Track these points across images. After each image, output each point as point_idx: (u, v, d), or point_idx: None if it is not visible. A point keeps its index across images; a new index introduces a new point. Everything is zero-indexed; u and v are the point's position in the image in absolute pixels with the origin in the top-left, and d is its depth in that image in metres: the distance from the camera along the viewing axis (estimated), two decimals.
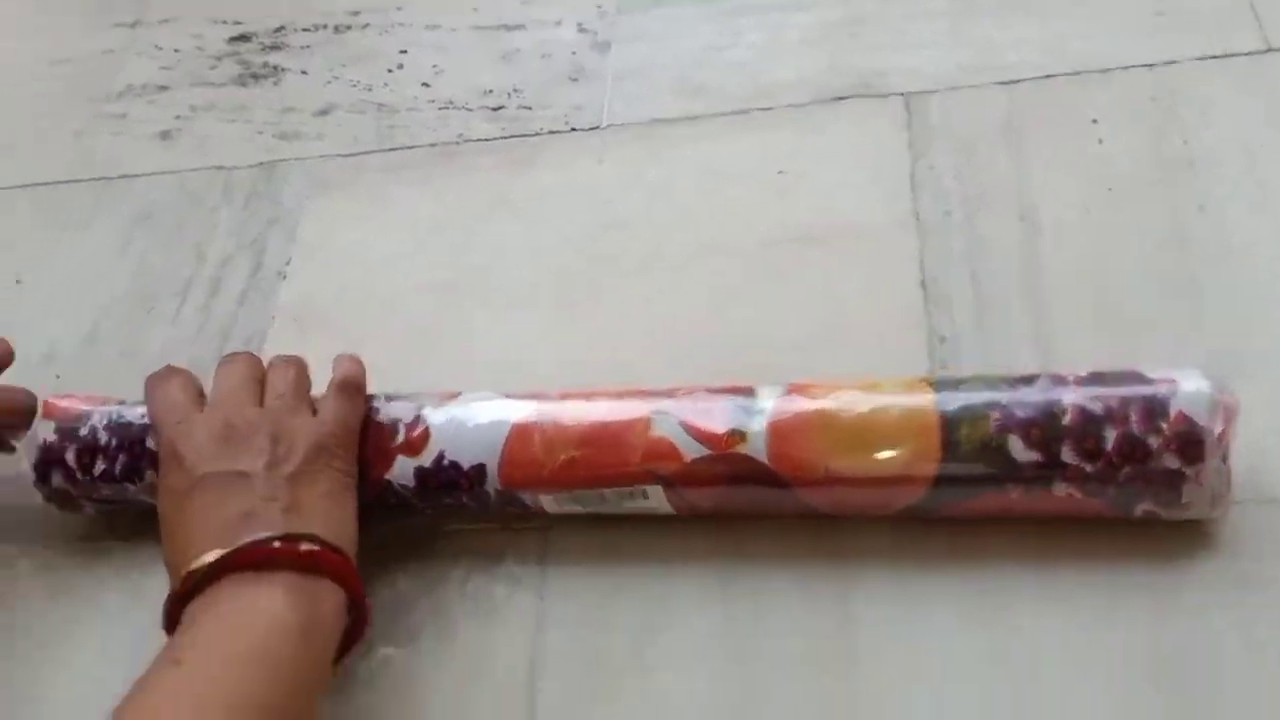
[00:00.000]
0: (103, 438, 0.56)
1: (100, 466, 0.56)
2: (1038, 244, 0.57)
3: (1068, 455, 0.45)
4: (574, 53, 0.74)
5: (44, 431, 0.57)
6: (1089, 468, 0.45)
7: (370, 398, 0.55)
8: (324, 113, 0.76)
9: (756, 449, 0.48)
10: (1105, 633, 0.46)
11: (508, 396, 0.54)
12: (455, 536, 0.56)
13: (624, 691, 0.50)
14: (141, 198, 0.75)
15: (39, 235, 0.75)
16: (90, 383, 0.65)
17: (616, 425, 0.51)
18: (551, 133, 0.70)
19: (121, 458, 0.56)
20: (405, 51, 0.78)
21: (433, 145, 0.72)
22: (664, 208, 0.65)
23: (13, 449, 0.58)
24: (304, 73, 0.79)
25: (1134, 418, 0.45)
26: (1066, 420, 0.46)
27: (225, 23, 0.84)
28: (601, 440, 0.51)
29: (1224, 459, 0.45)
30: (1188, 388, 0.45)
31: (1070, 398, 0.46)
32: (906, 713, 0.46)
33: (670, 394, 0.51)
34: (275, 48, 0.81)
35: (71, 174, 0.78)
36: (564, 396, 0.53)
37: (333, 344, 0.63)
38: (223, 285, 0.69)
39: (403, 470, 0.53)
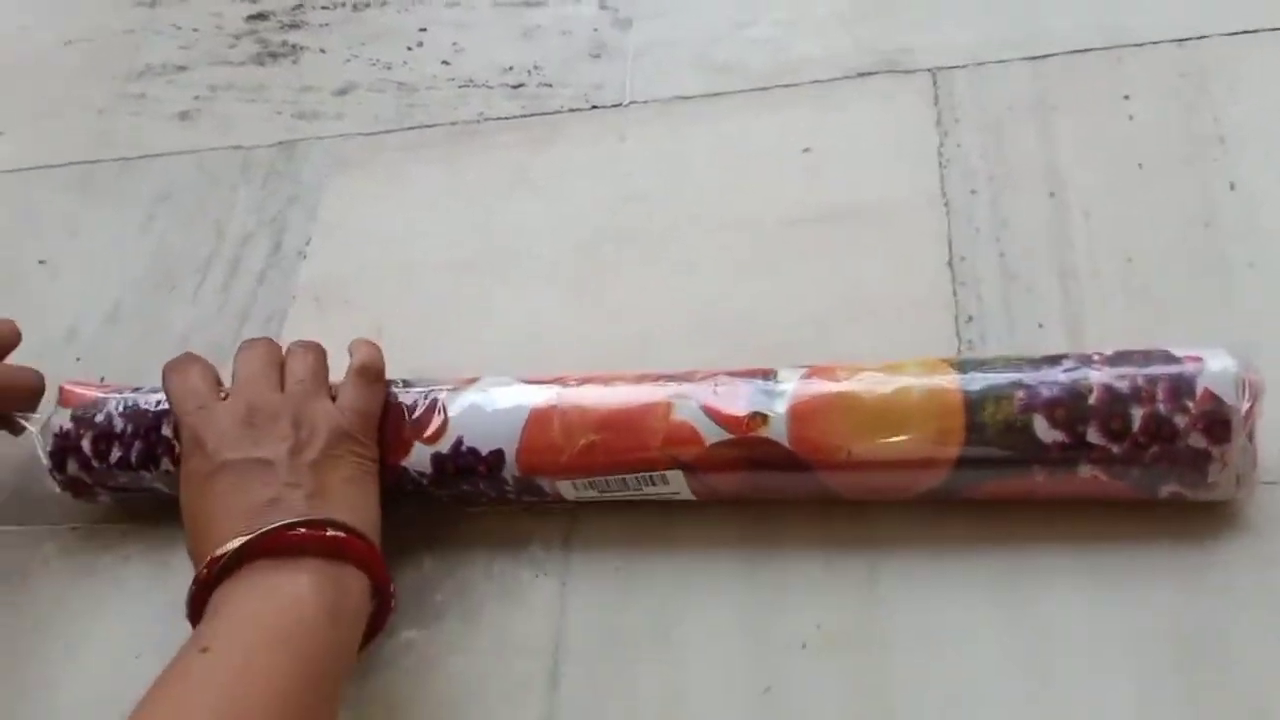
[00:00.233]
0: (118, 425, 0.56)
1: (116, 454, 0.56)
2: (1066, 222, 0.57)
3: (1093, 436, 0.45)
4: (595, 29, 0.73)
5: (59, 419, 0.57)
6: (1115, 448, 0.45)
7: (388, 383, 0.55)
8: (343, 91, 0.76)
9: (778, 432, 0.48)
10: (1130, 612, 0.46)
11: (526, 382, 0.53)
12: (480, 519, 0.55)
13: (648, 675, 0.49)
14: (161, 178, 0.75)
15: (61, 216, 0.75)
16: (112, 362, 0.66)
17: (636, 409, 0.50)
18: (572, 110, 0.70)
19: (137, 445, 0.56)
20: (425, 29, 0.77)
21: (453, 124, 0.72)
22: (686, 186, 0.64)
23: (23, 429, 0.58)
24: (323, 51, 0.78)
25: (1160, 396, 0.44)
26: (1092, 400, 0.45)
27: (244, 1, 0.84)
28: (621, 425, 0.50)
29: (1250, 438, 0.44)
30: (1214, 366, 0.45)
31: (1096, 377, 0.46)
32: (934, 693, 0.46)
33: (689, 377, 0.51)
34: (294, 26, 0.81)
35: (92, 154, 0.78)
36: (583, 381, 0.52)
37: (353, 322, 0.64)
38: (243, 265, 0.69)
39: (419, 457, 0.53)
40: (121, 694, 0.54)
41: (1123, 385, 0.45)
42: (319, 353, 0.55)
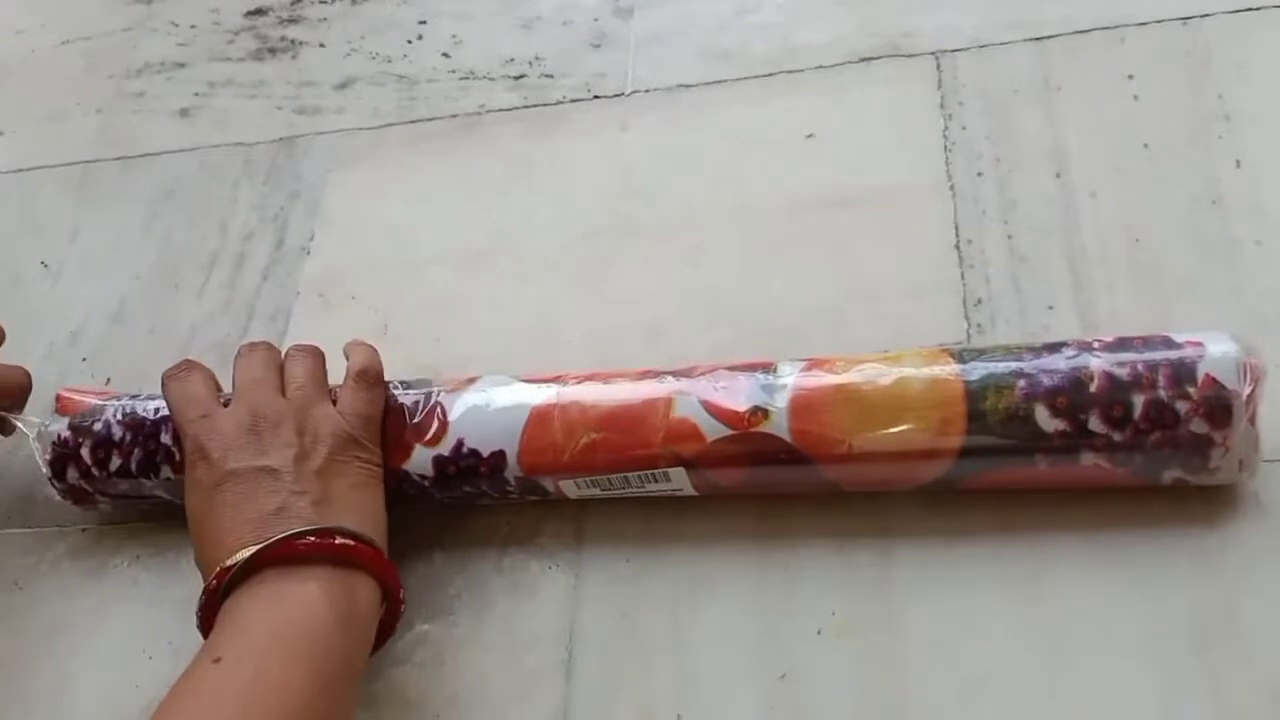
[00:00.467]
0: (117, 432, 0.56)
1: (116, 462, 0.56)
2: (1073, 203, 0.56)
3: (1095, 424, 0.45)
4: (596, 19, 0.73)
5: (58, 427, 0.57)
6: (1117, 436, 0.45)
7: (386, 385, 0.55)
8: (343, 86, 0.75)
9: (779, 426, 0.48)
10: (1144, 596, 0.46)
11: (525, 381, 0.53)
12: (491, 512, 0.55)
13: (662, 665, 0.49)
14: (163, 176, 0.75)
15: (62, 216, 0.75)
16: (118, 363, 0.66)
17: (636, 407, 0.50)
18: (574, 101, 0.69)
19: (137, 452, 0.56)
20: (424, 22, 0.77)
21: (454, 116, 0.71)
22: (690, 174, 0.64)
23: (14, 428, 0.58)
24: (322, 45, 0.78)
25: (1161, 383, 0.44)
26: (1093, 388, 0.45)
27: None
28: (622, 422, 0.50)
29: (1252, 422, 0.44)
30: (1215, 351, 0.45)
31: (1096, 364, 0.45)
32: (949, 679, 0.46)
33: (689, 373, 0.51)
34: (292, 21, 0.80)
35: (94, 153, 0.77)
36: (583, 379, 0.52)
37: (359, 318, 0.64)
38: (247, 261, 0.69)
39: (421, 460, 0.52)
40: (134, 694, 0.54)
41: (1123, 372, 0.45)
42: (318, 356, 0.54)
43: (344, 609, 0.45)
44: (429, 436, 0.52)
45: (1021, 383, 0.46)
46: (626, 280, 0.61)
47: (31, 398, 0.59)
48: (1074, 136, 0.59)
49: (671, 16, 0.71)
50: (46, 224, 0.75)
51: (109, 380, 0.65)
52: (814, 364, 0.49)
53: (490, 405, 0.52)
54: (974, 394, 0.46)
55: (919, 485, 0.48)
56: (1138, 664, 0.45)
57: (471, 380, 0.54)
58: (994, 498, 0.49)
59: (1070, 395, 0.45)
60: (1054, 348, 0.47)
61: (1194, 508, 0.47)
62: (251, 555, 0.45)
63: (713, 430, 0.49)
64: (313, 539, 0.46)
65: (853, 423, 0.47)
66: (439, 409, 0.53)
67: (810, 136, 0.63)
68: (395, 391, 0.54)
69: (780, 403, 0.48)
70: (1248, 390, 0.44)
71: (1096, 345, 0.46)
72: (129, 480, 0.56)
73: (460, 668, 0.52)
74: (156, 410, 0.56)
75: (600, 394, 0.51)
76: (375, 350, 0.55)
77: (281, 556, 0.45)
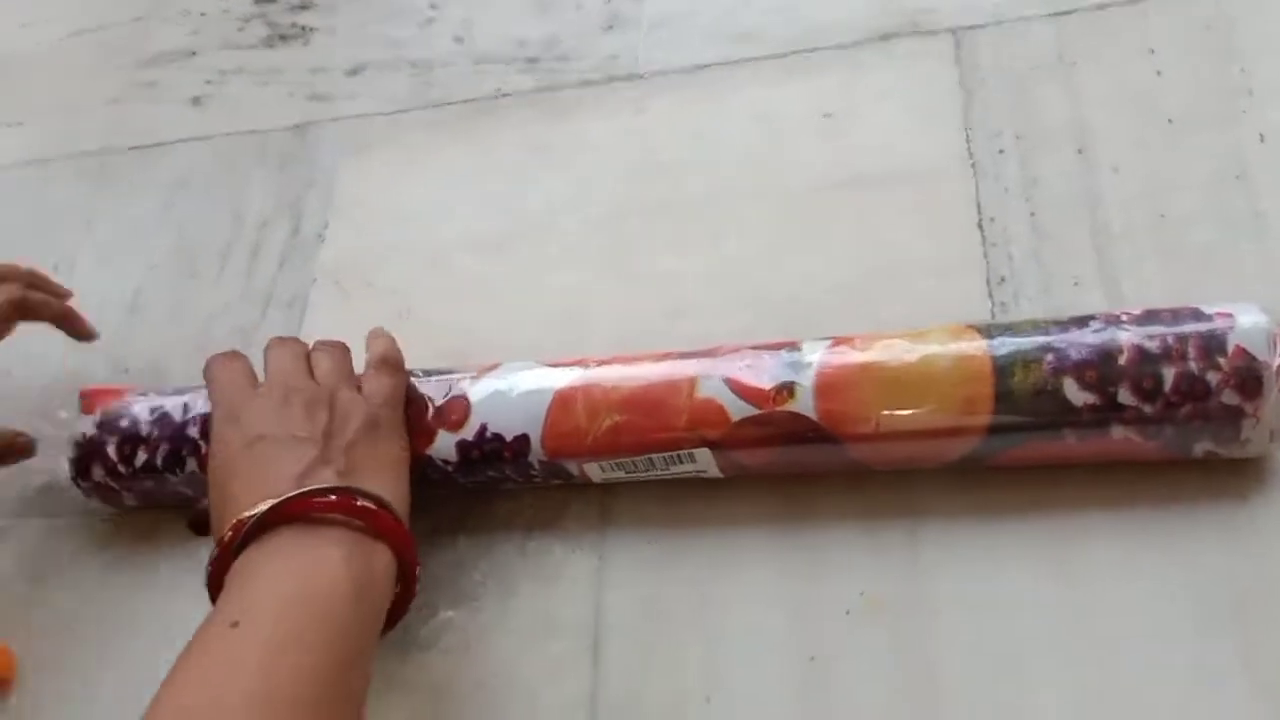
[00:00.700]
0: (144, 429, 0.56)
1: (142, 458, 0.56)
2: (1096, 179, 0.56)
3: (1125, 397, 0.44)
4: (608, 1, 0.72)
5: (83, 426, 0.57)
6: (1147, 408, 0.44)
7: (408, 374, 0.55)
8: (355, 72, 0.75)
9: (804, 405, 0.48)
10: (1176, 572, 0.46)
11: (548, 365, 0.53)
12: (514, 496, 0.55)
13: (690, 648, 0.49)
14: (177, 165, 0.75)
15: (77, 206, 0.75)
16: (135, 352, 0.66)
17: (660, 388, 0.50)
18: (589, 84, 0.69)
19: (163, 448, 0.55)
20: (435, 6, 0.76)
21: (468, 101, 0.71)
22: (708, 155, 0.64)
23: (25, 450, 0.58)
24: (333, 31, 0.78)
25: (1191, 355, 0.44)
26: (1123, 360, 0.45)
27: None
28: (646, 404, 0.50)
29: None
30: (1245, 322, 0.44)
31: (1125, 337, 0.45)
32: (980, 658, 0.46)
33: (712, 353, 0.50)
34: (303, 7, 0.80)
35: (107, 143, 0.77)
36: (605, 362, 0.52)
37: (376, 305, 0.63)
38: (262, 249, 0.69)
39: (444, 444, 0.52)
40: (156, 685, 0.54)
41: (1153, 345, 0.45)
42: (344, 349, 0.54)
43: (362, 579, 0.44)
44: (452, 422, 0.52)
45: (1049, 357, 0.45)
46: (648, 262, 0.61)
47: (52, 395, 0.59)
48: (1095, 112, 0.58)
49: None
50: (61, 214, 0.75)
51: (127, 370, 0.65)
52: (839, 341, 0.49)
53: (513, 390, 0.52)
54: (1001, 369, 0.46)
55: (947, 463, 0.48)
56: (1170, 639, 0.45)
57: (493, 366, 0.54)
58: (1022, 475, 0.49)
59: (1099, 368, 0.45)
60: (1081, 321, 0.46)
61: (1224, 481, 0.47)
62: (269, 508, 0.44)
63: (738, 410, 0.48)
64: (334, 497, 0.45)
65: (879, 400, 0.47)
66: (462, 395, 0.53)
67: (829, 116, 0.62)
68: (415, 380, 0.54)
69: (806, 380, 0.48)
70: (1278, 361, 0.44)
71: (1125, 318, 0.46)
72: (154, 476, 0.56)
73: (486, 653, 0.52)
74: (185, 406, 0.56)
75: (623, 376, 0.51)
76: (393, 338, 0.55)
77: (300, 513, 0.44)
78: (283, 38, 0.79)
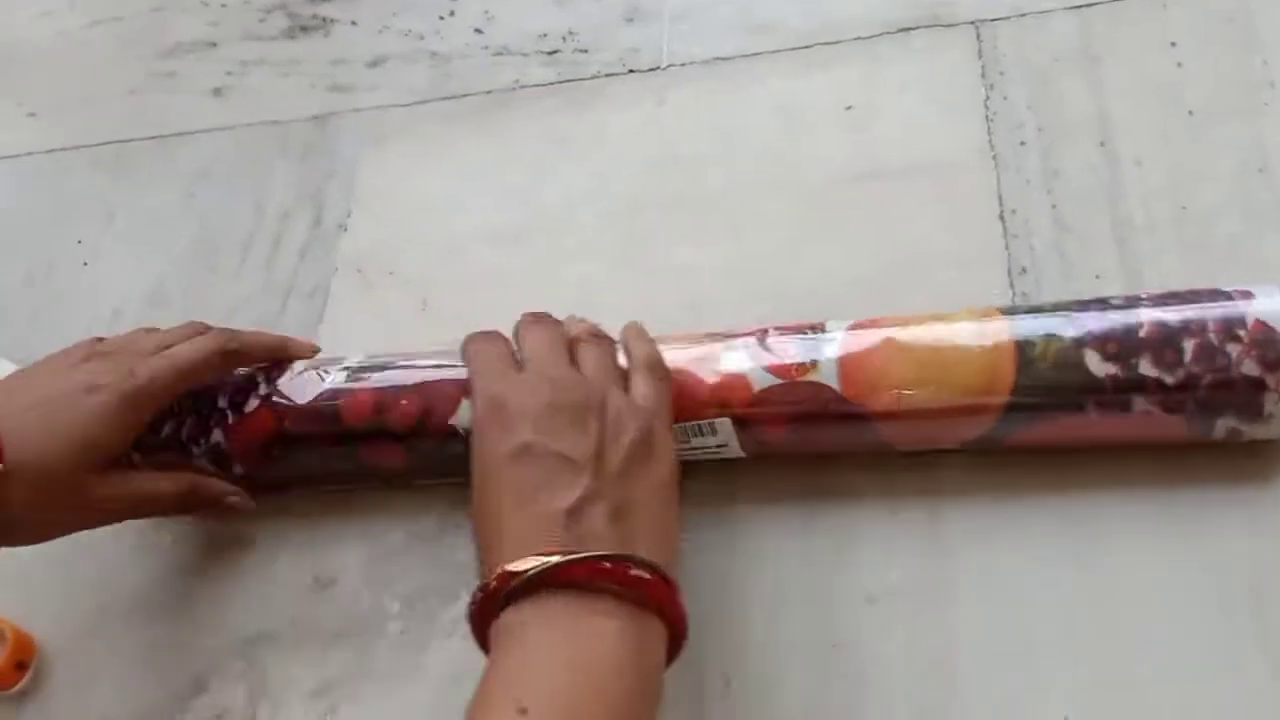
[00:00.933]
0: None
1: (167, 429, 0.56)
2: (1118, 172, 0.56)
3: (1146, 368, 0.45)
4: None
5: None
6: (1169, 379, 0.45)
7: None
8: (376, 63, 0.75)
9: (827, 375, 0.48)
10: (1193, 555, 0.46)
11: None
12: None
13: (712, 635, 0.50)
14: (198, 155, 0.75)
15: (97, 196, 0.75)
16: None
17: (685, 360, 0.50)
18: (609, 75, 0.69)
19: (190, 420, 0.56)
20: None
21: (488, 92, 0.71)
22: (729, 147, 0.64)
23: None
24: (354, 23, 0.78)
25: (1212, 328, 0.45)
26: (1143, 333, 0.45)
27: None
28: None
29: None
30: (1264, 298, 0.45)
31: (1146, 313, 0.46)
32: (1002, 644, 0.46)
33: (737, 334, 0.51)
34: None
35: (127, 133, 0.78)
36: None
37: (399, 295, 0.64)
38: (284, 240, 0.69)
39: (465, 416, 0.52)
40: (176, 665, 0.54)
41: (1173, 319, 0.45)
42: (610, 341, 0.50)
43: (641, 660, 0.41)
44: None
45: (1071, 330, 0.46)
46: (666, 255, 0.61)
47: None
48: (1117, 104, 0.58)
49: None
50: (81, 205, 0.75)
51: None
52: (862, 323, 0.49)
53: None
54: (1023, 342, 0.46)
55: (971, 439, 0.48)
56: (1192, 624, 0.45)
57: None
58: (1044, 460, 0.49)
59: (1120, 340, 0.45)
60: (1102, 301, 0.47)
61: (1246, 465, 0.47)
62: (542, 569, 0.40)
63: (760, 380, 0.49)
64: (609, 565, 0.41)
65: (903, 373, 0.47)
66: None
67: (850, 108, 0.62)
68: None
69: (830, 354, 0.48)
70: None
71: (1145, 297, 0.47)
72: (178, 449, 0.56)
73: None
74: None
75: None
76: (654, 344, 0.51)
77: (574, 578, 0.41)
78: (303, 29, 0.79)
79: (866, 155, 0.61)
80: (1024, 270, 0.55)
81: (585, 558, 0.41)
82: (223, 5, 0.82)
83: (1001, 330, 0.47)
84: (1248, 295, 0.45)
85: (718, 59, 0.67)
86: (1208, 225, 0.54)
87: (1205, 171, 0.55)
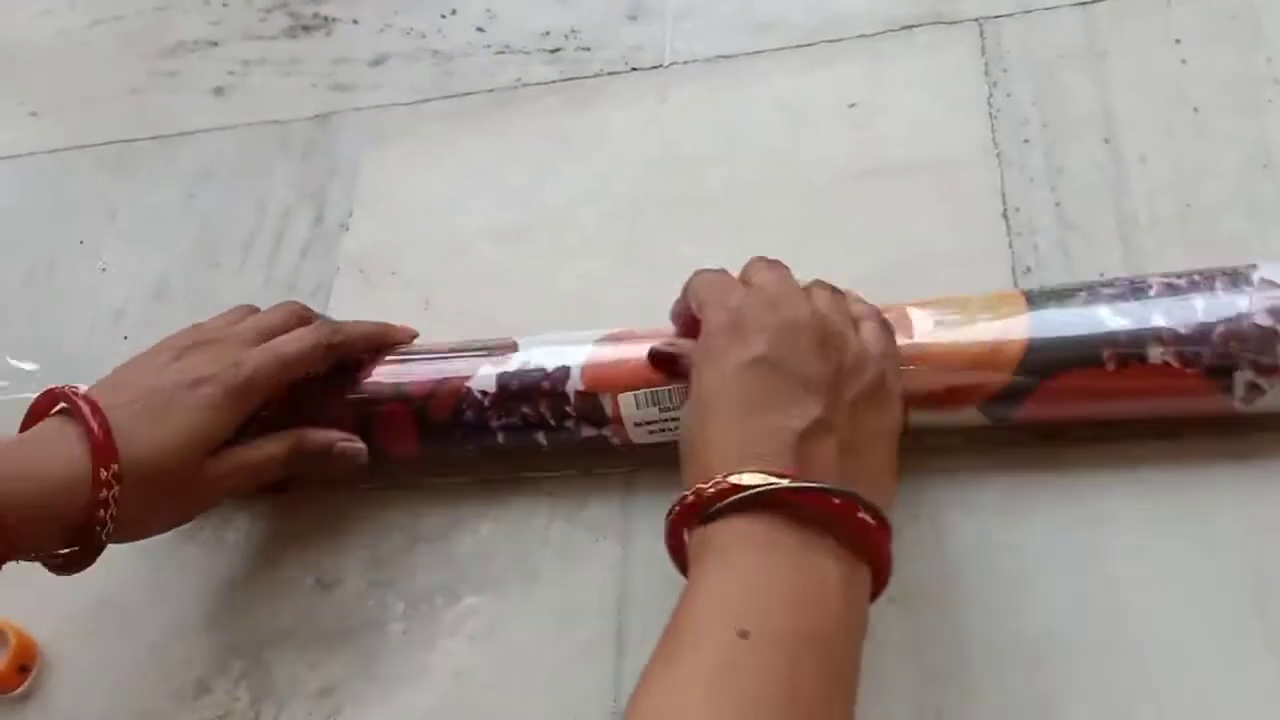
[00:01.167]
0: None
1: None
2: (1122, 169, 0.56)
3: (1158, 319, 0.45)
4: None
5: None
6: (1182, 329, 0.45)
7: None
8: (378, 62, 0.75)
9: None
10: (1199, 548, 0.46)
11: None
12: (536, 483, 0.55)
13: None
14: (200, 154, 0.75)
15: (100, 195, 0.75)
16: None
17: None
18: (611, 73, 0.69)
19: None
20: None
21: (490, 90, 0.71)
22: (731, 145, 0.64)
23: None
24: (355, 22, 0.78)
25: (1219, 286, 0.46)
26: (1153, 293, 0.46)
27: None
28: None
29: None
30: (1269, 264, 0.46)
31: (1154, 279, 0.47)
32: (1008, 641, 0.46)
33: None
34: None
35: (129, 133, 0.78)
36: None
37: (400, 292, 0.64)
38: (285, 238, 0.69)
39: (484, 376, 0.53)
40: (184, 668, 0.54)
41: (1181, 281, 0.47)
42: (843, 294, 0.48)
43: (858, 617, 0.39)
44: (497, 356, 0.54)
45: (1082, 293, 0.48)
46: (669, 253, 0.61)
47: (75, 373, 0.59)
48: (1122, 101, 0.58)
49: None
50: (84, 204, 0.75)
51: None
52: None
53: (561, 336, 0.54)
54: (1034, 297, 0.48)
55: (990, 393, 0.47)
56: (1199, 617, 0.45)
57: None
58: (1052, 450, 0.49)
59: (1131, 299, 0.46)
60: (1109, 283, 0.48)
61: (1251, 452, 0.47)
62: (768, 489, 0.38)
63: None
64: (838, 502, 0.39)
65: (916, 320, 0.49)
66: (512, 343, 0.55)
67: (853, 106, 0.62)
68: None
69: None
70: None
71: (1151, 276, 0.48)
72: None
73: (511, 640, 0.52)
74: None
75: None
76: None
77: (799, 505, 0.38)
78: (305, 28, 0.79)
79: (870, 153, 0.61)
80: (1028, 269, 0.54)
81: (817, 488, 0.38)
82: (224, 4, 0.82)
83: (1013, 292, 0.49)
84: (1251, 264, 0.47)
85: (720, 57, 0.67)
86: (1212, 222, 0.53)
87: (1209, 168, 0.55)
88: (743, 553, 0.38)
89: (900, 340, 0.47)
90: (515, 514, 0.55)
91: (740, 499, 0.38)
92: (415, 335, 0.59)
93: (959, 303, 0.49)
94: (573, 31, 0.71)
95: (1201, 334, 0.45)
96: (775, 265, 0.48)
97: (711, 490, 0.39)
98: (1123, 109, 0.58)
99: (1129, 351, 0.45)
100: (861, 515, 0.39)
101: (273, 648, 0.55)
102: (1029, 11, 0.62)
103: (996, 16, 0.62)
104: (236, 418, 0.52)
